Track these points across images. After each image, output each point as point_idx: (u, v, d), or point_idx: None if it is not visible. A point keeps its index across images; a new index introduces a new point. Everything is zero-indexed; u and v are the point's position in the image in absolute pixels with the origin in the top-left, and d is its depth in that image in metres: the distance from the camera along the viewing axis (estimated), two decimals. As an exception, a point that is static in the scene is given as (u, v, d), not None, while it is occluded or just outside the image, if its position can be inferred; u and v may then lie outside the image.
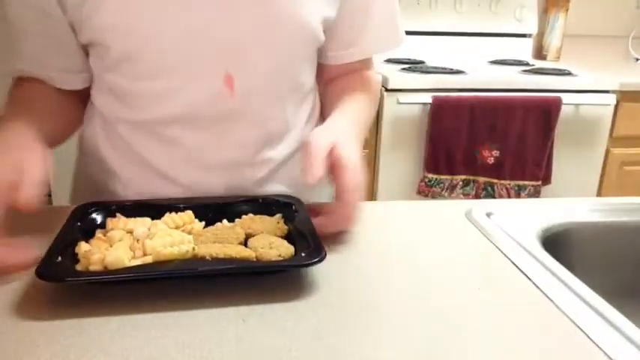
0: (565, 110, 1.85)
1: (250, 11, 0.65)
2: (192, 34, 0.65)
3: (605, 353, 0.47)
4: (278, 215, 0.65)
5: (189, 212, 0.63)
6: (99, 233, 0.60)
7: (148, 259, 0.55)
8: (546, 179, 1.92)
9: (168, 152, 0.72)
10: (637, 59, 2.48)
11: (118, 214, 0.63)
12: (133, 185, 0.74)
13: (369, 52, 0.82)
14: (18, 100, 0.72)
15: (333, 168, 0.62)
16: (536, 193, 1.90)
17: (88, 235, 0.60)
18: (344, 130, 0.68)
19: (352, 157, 0.62)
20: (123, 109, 0.71)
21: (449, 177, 1.86)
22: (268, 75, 0.70)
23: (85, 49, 0.71)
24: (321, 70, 0.82)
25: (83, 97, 0.77)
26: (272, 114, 0.74)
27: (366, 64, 0.84)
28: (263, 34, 0.67)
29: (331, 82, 0.83)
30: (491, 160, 1.85)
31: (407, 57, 2.14)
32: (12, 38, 0.70)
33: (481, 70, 2.02)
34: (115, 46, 0.65)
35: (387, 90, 1.78)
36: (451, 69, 1.94)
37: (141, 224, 0.60)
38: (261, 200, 0.69)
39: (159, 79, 0.67)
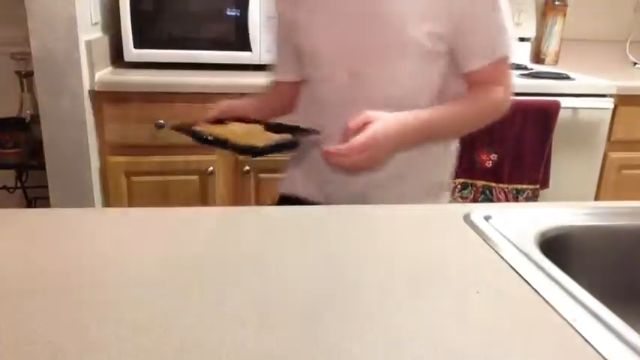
0: (563, 114, 1.85)
1: (370, 29, 0.95)
2: (335, 43, 0.99)
3: (602, 356, 0.48)
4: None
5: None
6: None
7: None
8: (544, 183, 1.92)
9: (326, 122, 1.00)
10: (635, 63, 2.49)
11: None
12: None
13: (480, 62, 0.96)
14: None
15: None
16: (534, 197, 1.90)
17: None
18: (397, 119, 0.89)
19: (374, 135, 0.84)
20: (305, 90, 1.10)
21: (447, 180, 1.86)
22: (380, 70, 0.97)
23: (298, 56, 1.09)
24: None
25: (291, 88, 1.15)
26: (384, 101, 0.96)
27: (493, 78, 0.97)
28: (379, 42, 0.95)
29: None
30: (489, 164, 1.86)
31: (405, 60, 2.14)
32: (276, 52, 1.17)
33: (479, 74, 2.02)
34: (303, 46, 1.05)
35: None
36: (449, 73, 1.94)
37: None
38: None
39: (316, 69, 1.05)
